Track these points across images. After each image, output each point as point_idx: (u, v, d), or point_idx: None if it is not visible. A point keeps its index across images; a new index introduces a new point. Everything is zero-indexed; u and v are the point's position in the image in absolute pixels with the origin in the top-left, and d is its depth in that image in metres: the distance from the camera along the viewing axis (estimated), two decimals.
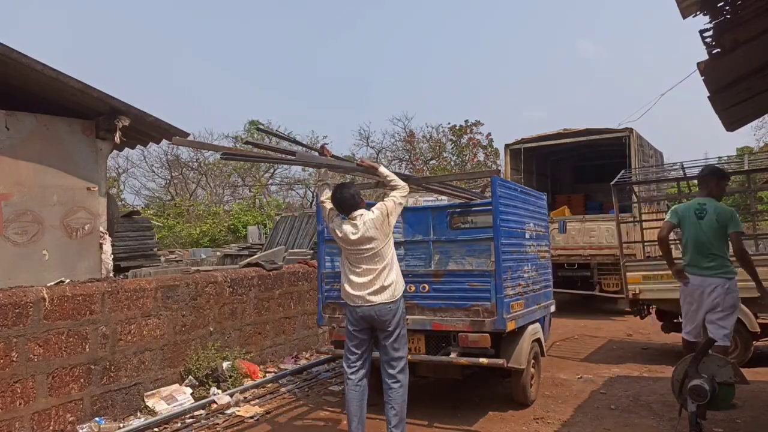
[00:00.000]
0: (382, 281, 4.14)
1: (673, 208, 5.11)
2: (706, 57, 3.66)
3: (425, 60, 62.28)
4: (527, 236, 5.61)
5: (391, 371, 4.18)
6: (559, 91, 62.58)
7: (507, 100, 60.38)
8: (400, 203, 4.35)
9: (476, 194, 7.26)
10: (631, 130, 10.62)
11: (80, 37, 56.10)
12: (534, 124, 69.41)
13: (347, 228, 4.17)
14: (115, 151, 8.45)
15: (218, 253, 14.84)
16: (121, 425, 4.90)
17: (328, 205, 4.39)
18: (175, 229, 23.03)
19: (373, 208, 4.25)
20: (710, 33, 3.35)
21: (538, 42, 68.08)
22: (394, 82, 59.09)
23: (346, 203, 4.22)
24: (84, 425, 4.78)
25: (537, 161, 12.61)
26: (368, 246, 4.13)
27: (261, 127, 26.92)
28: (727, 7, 3.16)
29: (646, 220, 9.10)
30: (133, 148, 9.00)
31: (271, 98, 55.43)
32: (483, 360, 4.70)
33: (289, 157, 4.59)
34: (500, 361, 4.73)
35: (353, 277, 4.18)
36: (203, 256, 15.52)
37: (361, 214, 4.19)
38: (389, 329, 4.16)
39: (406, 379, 4.22)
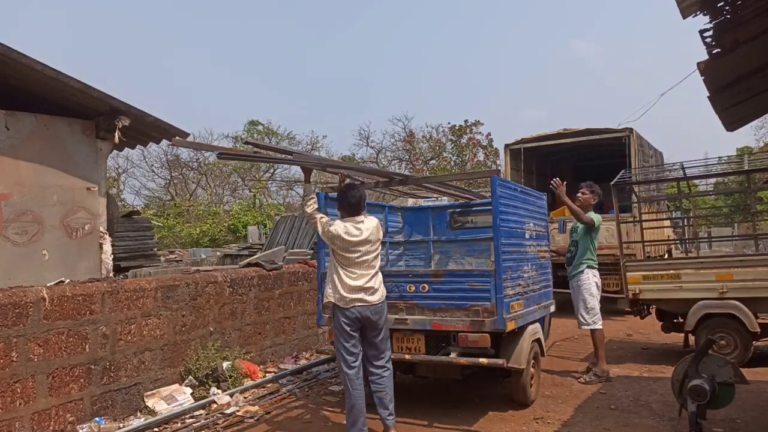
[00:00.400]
0: (374, 283, 4.36)
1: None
2: (706, 57, 3.65)
3: (425, 60, 62.35)
4: (527, 236, 5.60)
5: (379, 363, 4.43)
6: (559, 91, 62.75)
7: (507, 100, 60.55)
8: None
9: (471, 192, 7.28)
10: (631, 130, 10.61)
11: (80, 37, 56.16)
12: (534, 124, 69.62)
13: (351, 229, 4.32)
14: (115, 151, 8.45)
15: (218, 253, 14.85)
16: (121, 425, 4.90)
17: (318, 215, 4.52)
18: (175, 229, 23.04)
19: (371, 216, 4.52)
20: (710, 33, 3.34)
21: (538, 42, 68.18)
22: (394, 82, 59.16)
23: (355, 204, 4.41)
24: (84, 425, 4.77)
25: (537, 161, 12.60)
26: (366, 248, 4.34)
27: (258, 127, 26.88)
28: (727, 7, 3.15)
29: (646, 220, 9.11)
30: (133, 148, 9.00)
31: (271, 98, 55.52)
32: (483, 360, 4.69)
33: (287, 157, 4.61)
34: (500, 361, 4.73)
35: (349, 281, 4.30)
36: (203, 256, 15.54)
37: (364, 218, 4.41)
38: (380, 327, 4.40)
39: (392, 365, 4.54)
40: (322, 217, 4.51)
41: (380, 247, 4.53)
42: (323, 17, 66.93)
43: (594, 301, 6.20)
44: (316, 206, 4.64)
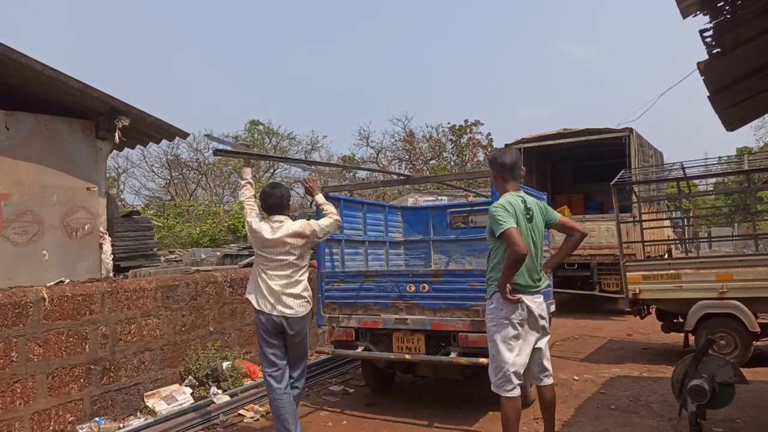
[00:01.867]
0: (293, 290, 4.16)
1: (504, 203, 3.65)
2: (706, 57, 3.65)
3: (426, 60, 62.35)
4: None
5: (294, 374, 4.29)
6: (559, 91, 62.74)
7: (506, 100, 60.53)
8: (323, 231, 4.36)
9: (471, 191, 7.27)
10: (630, 130, 10.62)
11: (80, 37, 56.18)
12: (534, 124, 69.63)
13: (265, 226, 4.20)
14: (115, 151, 8.44)
15: (218, 253, 14.82)
16: (121, 425, 4.90)
17: (250, 204, 4.36)
18: (175, 229, 23.02)
19: (298, 220, 4.32)
20: (710, 33, 3.35)
21: (538, 42, 68.20)
22: (395, 82, 59.19)
23: (272, 202, 4.26)
24: (84, 425, 4.77)
25: (537, 161, 12.61)
26: (282, 250, 4.15)
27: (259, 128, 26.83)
28: (727, 7, 3.16)
29: (646, 220, 9.12)
30: (133, 148, 9.00)
31: (271, 98, 55.54)
32: (483, 360, 4.67)
33: (284, 156, 4.60)
34: None
35: (263, 285, 4.15)
36: (203, 256, 15.51)
37: (283, 220, 4.25)
38: (295, 341, 4.22)
39: (301, 387, 4.41)
40: (252, 209, 4.34)
41: (303, 251, 4.25)
42: (323, 18, 66.97)
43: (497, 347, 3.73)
44: (249, 193, 4.43)
